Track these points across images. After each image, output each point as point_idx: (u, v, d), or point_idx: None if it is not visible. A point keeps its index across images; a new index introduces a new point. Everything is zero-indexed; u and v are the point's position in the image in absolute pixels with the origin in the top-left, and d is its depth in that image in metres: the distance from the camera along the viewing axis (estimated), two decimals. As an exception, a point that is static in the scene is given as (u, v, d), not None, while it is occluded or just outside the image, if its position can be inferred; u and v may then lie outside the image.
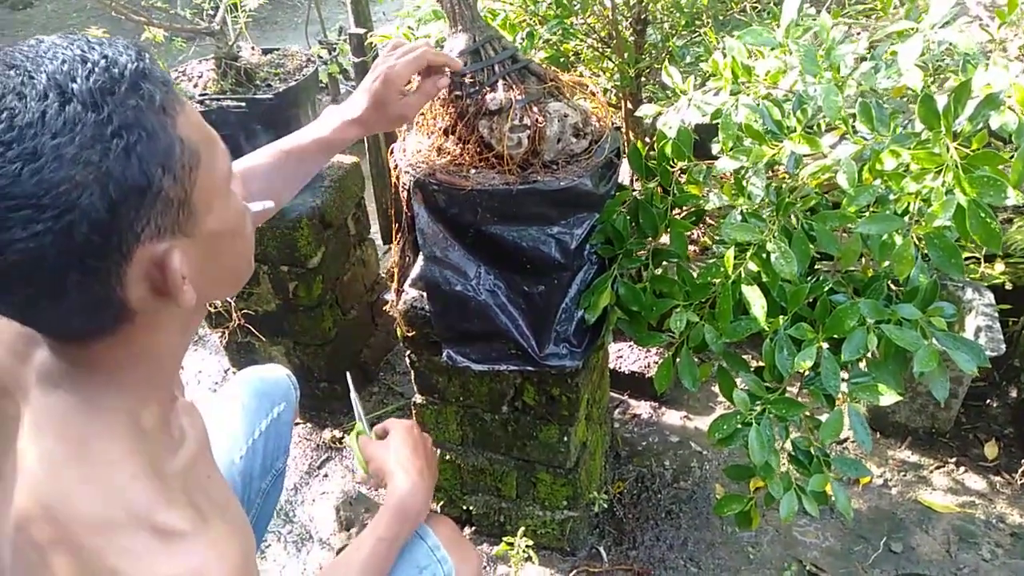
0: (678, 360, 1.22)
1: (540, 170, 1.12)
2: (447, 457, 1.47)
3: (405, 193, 1.18)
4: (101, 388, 0.62)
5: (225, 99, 1.50)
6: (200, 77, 1.61)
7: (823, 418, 1.14)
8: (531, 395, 1.32)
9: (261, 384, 1.32)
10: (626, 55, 1.95)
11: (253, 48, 1.70)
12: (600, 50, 2.01)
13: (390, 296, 1.36)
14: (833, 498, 1.15)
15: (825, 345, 1.11)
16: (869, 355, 1.11)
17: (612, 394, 1.86)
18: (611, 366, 1.85)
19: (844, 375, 1.14)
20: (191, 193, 0.58)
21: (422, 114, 1.19)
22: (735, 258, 1.12)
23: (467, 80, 1.10)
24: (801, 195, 1.14)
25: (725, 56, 1.22)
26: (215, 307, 1.79)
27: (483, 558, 1.52)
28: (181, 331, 0.68)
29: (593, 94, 1.24)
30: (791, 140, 1.11)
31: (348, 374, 1.23)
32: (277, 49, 1.71)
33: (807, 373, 1.14)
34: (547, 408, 1.33)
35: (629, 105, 2.03)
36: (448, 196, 1.12)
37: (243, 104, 1.48)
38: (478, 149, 1.11)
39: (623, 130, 2.26)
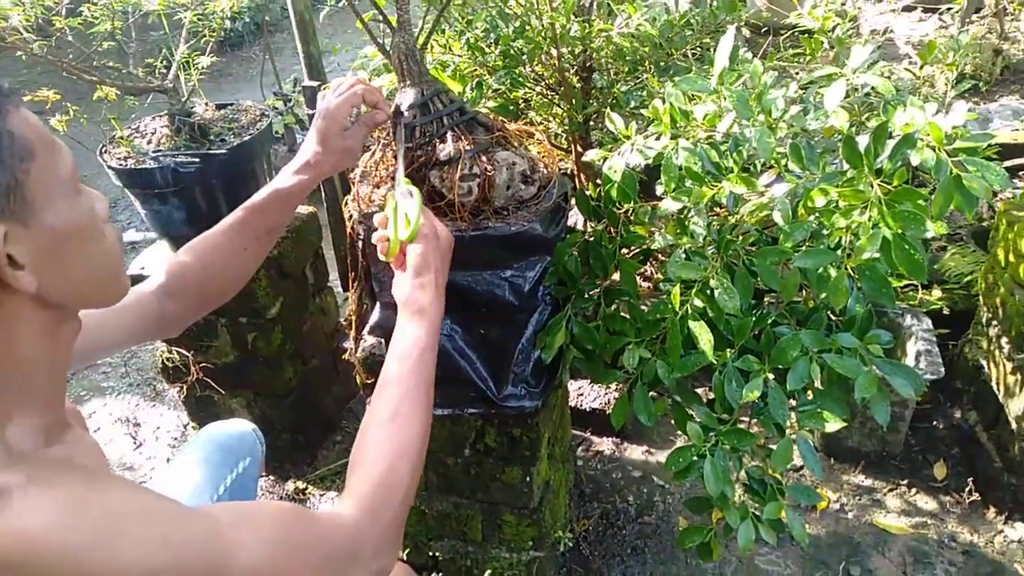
0: (633, 396, 1.25)
1: (491, 216, 1.15)
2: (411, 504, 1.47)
3: (360, 242, 1.20)
4: None
5: (179, 155, 1.52)
6: (154, 134, 1.62)
7: (775, 447, 1.18)
8: (492, 437, 1.34)
9: (226, 439, 1.32)
10: (574, 101, 2.02)
11: (207, 104, 1.72)
12: (548, 97, 2.08)
13: (349, 344, 1.37)
14: (788, 525, 1.19)
15: (771, 376, 1.15)
16: (815, 383, 1.16)
17: (574, 432, 1.88)
18: (572, 404, 1.88)
19: (794, 403, 1.19)
20: (23, 182, 0.63)
21: (374, 165, 1.22)
22: (681, 295, 1.16)
23: (416, 133, 1.14)
24: (741, 232, 1.19)
25: (665, 102, 1.28)
26: (172, 361, 1.78)
27: (451, 604, 1.51)
28: (43, 335, 0.69)
29: (540, 142, 1.28)
30: (729, 181, 1.16)
31: (401, 127, 1.14)
32: (231, 104, 1.74)
33: (757, 403, 1.18)
34: (509, 449, 1.34)
35: (579, 149, 2.10)
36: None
37: (197, 159, 1.49)
38: (430, 198, 1.14)
39: (575, 173, 2.32)
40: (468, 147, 1.13)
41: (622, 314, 1.28)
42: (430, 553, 1.52)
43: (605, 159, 1.35)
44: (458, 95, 1.54)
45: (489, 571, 1.42)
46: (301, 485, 1.85)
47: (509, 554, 1.47)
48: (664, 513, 1.67)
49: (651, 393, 1.27)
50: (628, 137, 1.33)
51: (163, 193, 1.55)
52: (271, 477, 1.90)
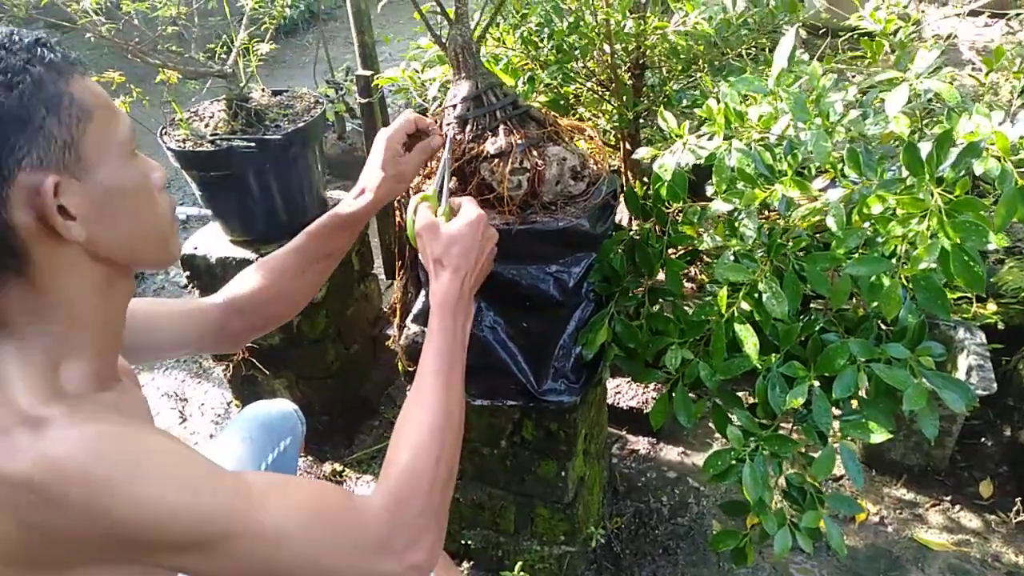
0: (673, 397, 1.25)
1: (539, 211, 1.16)
2: (446, 491, 1.49)
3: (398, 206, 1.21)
4: (7, 339, 0.69)
5: (235, 139, 1.55)
6: (212, 117, 1.66)
7: (816, 455, 1.16)
8: (529, 430, 1.34)
9: (268, 418, 1.35)
10: (624, 98, 2.01)
11: (263, 89, 1.76)
12: (599, 93, 2.07)
13: (392, 331, 1.39)
14: (826, 535, 1.17)
15: (816, 383, 1.14)
16: (861, 393, 1.14)
17: (610, 429, 1.88)
18: (609, 401, 1.87)
19: (838, 412, 1.17)
20: (78, 140, 0.68)
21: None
22: (728, 297, 1.15)
23: (469, 125, 1.15)
24: (792, 237, 1.18)
25: (719, 102, 1.26)
26: (220, 340, 1.82)
27: (481, 593, 1.53)
28: (95, 288, 0.74)
29: (591, 138, 1.28)
30: (782, 184, 1.15)
31: (451, 129, 1.15)
32: (286, 90, 1.77)
33: (800, 410, 1.17)
34: (545, 443, 1.35)
35: (628, 147, 2.09)
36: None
37: (252, 144, 1.52)
38: (479, 191, 1.15)
39: (622, 171, 2.31)
40: (520, 141, 1.14)
41: (665, 314, 1.28)
42: (462, 542, 1.54)
43: (655, 157, 1.35)
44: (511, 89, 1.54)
45: (520, 563, 1.43)
46: (338, 467, 1.89)
47: (541, 547, 1.48)
48: (697, 515, 1.66)
49: (691, 395, 1.27)
50: (680, 136, 1.31)
51: (218, 176, 1.59)
52: (309, 458, 1.94)
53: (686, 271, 2.01)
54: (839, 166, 1.15)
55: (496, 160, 1.13)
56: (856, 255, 1.09)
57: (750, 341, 1.11)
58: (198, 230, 1.82)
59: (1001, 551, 1.53)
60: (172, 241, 0.81)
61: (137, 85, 1.62)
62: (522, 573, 1.38)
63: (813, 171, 1.28)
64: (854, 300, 1.24)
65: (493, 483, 1.44)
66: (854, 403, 1.16)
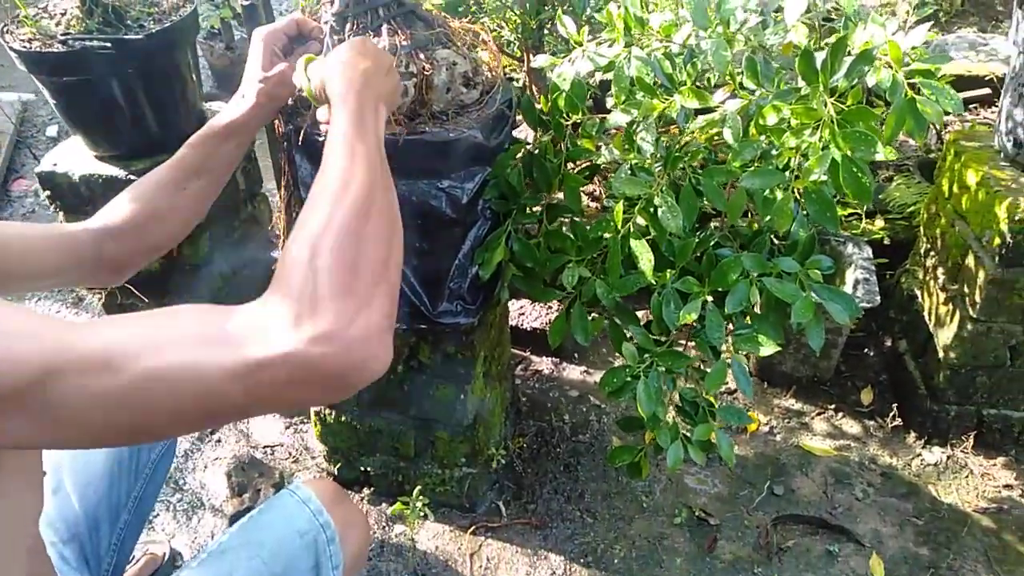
0: (571, 315, 1.23)
1: (428, 121, 1.08)
2: (343, 419, 1.44)
3: (286, 143, 1.12)
4: None
5: (91, 39, 1.38)
6: (63, 15, 1.47)
7: (710, 369, 1.18)
8: (426, 354, 1.30)
9: None
10: (527, 5, 1.91)
11: (124, -16, 1.56)
12: (502, 0, 1.96)
13: (277, 254, 1.30)
14: (717, 446, 1.20)
15: (710, 299, 1.14)
16: (754, 307, 1.15)
17: (514, 350, 1.86)
18: (513, 323, 1.85)
19: (732, 327, 1.18)
20: None
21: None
22: (624, 212, 1.12)
23: (349, 24, 1.05)
24: (690, 150, 1.15)
25: (619, 7, 1.20)
26: (91, 267, 1.68)
27: (379, 518, 1.51)
28: None
29: (485, 42, 1.20)
30: (681, 94, 1.11)
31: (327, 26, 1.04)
32: (151, -14, 1.58)
33: (695, 326, 1.17)
34: (443, 367, 1.31)
35: (532, 57, 2.00)
36: (331, 147, 1.07)
37: (109, 45, 1.36)
38: (363, 97, 1.06)
39: (527, 84, 2.23)
40: (405, 42, 1.04)
41: (564, 232, 1.24)
42: (361, 468, 1.51)
43: (555, 67, 1.28)
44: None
45: (419, 487, 1.41)
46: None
47: (441, 470, 1.46)
48: (598, 432, 1.68)
49: (592, 313, 1.25)
50: (580, 43, 1.25)
51: (73, 82, 1.42)
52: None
53: (589, 189, 1.98)
54: (738, 77, 1.12)
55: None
56: (752, 168, 1.08)
57: (645, 257, 1.09)
58: (61, 143, 1.64)
59: (877, 454, 1.62)
60: None
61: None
62: (421, 498, 1.36)
63: (712, 82, 1.26)
64: (749, 215, 1.24)
65: (391, 408, 1.40)
66: (747, 318, 1.18)
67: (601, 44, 1.25)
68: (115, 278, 1.03)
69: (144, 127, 1.52)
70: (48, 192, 1.59)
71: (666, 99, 1.13)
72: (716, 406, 1.20)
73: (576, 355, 1.87)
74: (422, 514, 1.35)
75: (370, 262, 0.61)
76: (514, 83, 2.18)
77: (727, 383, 1.62)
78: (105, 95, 1.44)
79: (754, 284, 1.10)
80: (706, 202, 1.11)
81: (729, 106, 1.09)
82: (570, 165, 1.25)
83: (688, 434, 1.20)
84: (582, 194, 1.43)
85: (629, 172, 1.12)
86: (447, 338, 1.27)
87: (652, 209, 1.09)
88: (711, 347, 1.14)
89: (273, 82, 0.97)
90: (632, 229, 1.12)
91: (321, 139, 1.06)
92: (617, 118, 1.15)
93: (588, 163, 1.25)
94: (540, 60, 1.29)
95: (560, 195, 1.25)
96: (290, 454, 1.66)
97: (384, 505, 1.53)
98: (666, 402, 1.18)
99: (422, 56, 1.05)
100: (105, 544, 1.13)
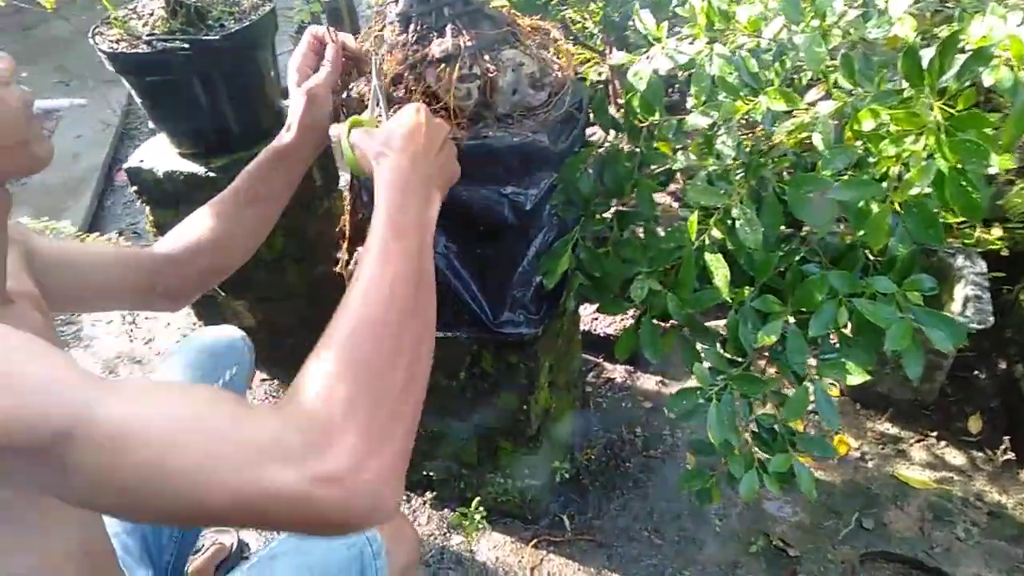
0: (640, 329, 1.15)
1: (493, 124, 1.03)
2: (405, 422, 1.42)
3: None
4: None
5: (172, 40, 1.41)
6: (151, 15, 1.51)
7: (791, 393, 1.08)
8: (488, 362, 1.26)
9: (214, 346, 1.27)
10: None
11: (209, -16, 1.59)
12: (584, -6, 1.89)
13: (341, 255, 1.29)
14: (797, 478, 1.10)
15: (793, 320, 1.04)
16: (844, 329, 1.05)
17: (586, 356, 1.80)
18: (586, 328, 1.79)
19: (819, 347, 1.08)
20: None
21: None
22: (699, 223, 1.04)
23: (412, 25, 1.01)
24: (776, 156, 1.05)
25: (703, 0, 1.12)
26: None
27: (440, 523, 1.49)
28: None
29: (556, 40, 1.14)
30: (767, 95, 1.02)
31: (375, 59, 0.99)
32: (233, -15, 1.60)
33: (775, 347, 1.08)
34: (506, 375, 1.27)
35: (611, 52, 1.92)
36: (393, 151, 1.04)
37: (187, 47, 1.38)
38: (426, 100, 1.02)
39: (609, 79, 2.15)
40: (470, 43, 1.00)
41: (638, 240, 1.17)
42: (424, 472, 1.49)
43: (632, 64, 1.21)
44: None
45: (478, 498, 1.38)
46: (305, 392, 1.83)
47: (504, 480, 1.42)
48: (672, 447, 1.60)
49: (667, 324, 1.17)
50: (658, 39, 1.17)
51: (157, 82, 1.45)
52: (275, 382, 1.88)
53: (671, 187, 1.88)
54: (833, 76, 1.02)
55: (442, 65, 1.00)
56: (845, 178, 0.98)
57: (720, 272, 1.01)
58: (148, 141, 1.69)
59: (984, 490, 1.47)
60: (34, 145, 0.69)
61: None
62: (480, 509, 1.32)
63: (804, 82, 1.15)
64: (842, 227, 1.13)
65: (454, 415, 1.37)
66: (834, 340, 1.07)
67: (683, 40, 1.17)
68: (171, 306, 1.06)
69: (223, 125, 1.55)
70: (135, 187, 1.65)
71: (750, 100, 1.04)
72: (797, 435, 1.11)
73: (652, 364, 1.79)
74: (480, 526, 1.32)
75: (391, 396, 0.59)
76: (596, 79, 2.10)
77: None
78: (186, 94, 1.47)
79: (843, 305, 1.00)
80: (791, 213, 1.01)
81: (821, 108, 0.99)
82: (644, 169, 1.17)
83: (765, 462, 1.11)
84: (663, 192, 1.35)
85: (706, 179, 1.03)
86: (509, 347, 1.22)
87: (730, 221, 1.00)
88: (793, 372, 1.05)
89: (310, 104, 0.96)
90: (707, 241, 1.03)
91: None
92: (696, 120, 1.07)
93: (664, 167, 1.17)
94: (616, 57, 1.22)
95: (633, 201, 1.18)
96: (357, 453, 1.66)
97: (446, 511, 1.51)
98: (741, 428, 1.09)
99: (487, 57, 1.01)
100: (166, 534, 1.16)
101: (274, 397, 1.84)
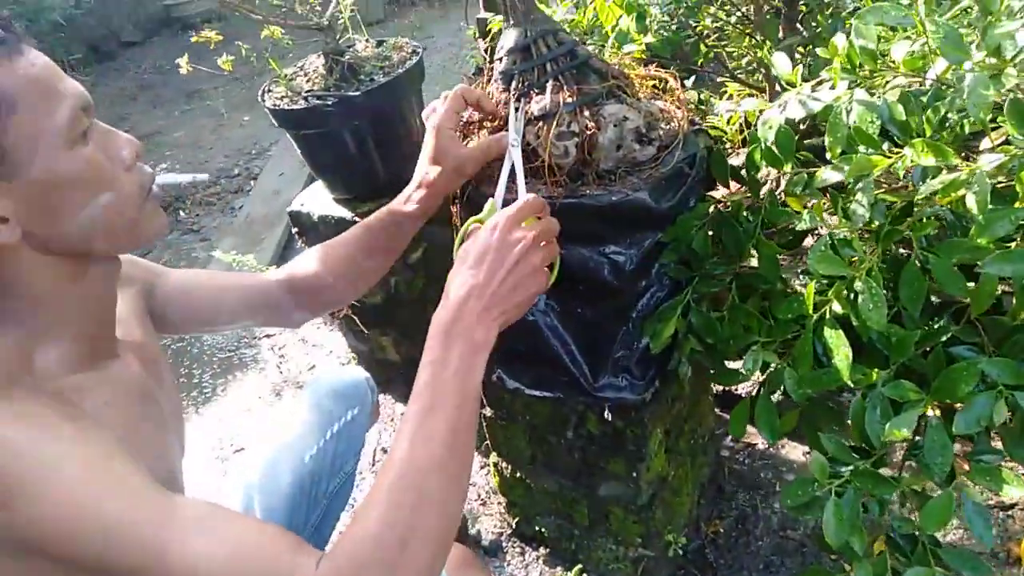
0: (756, 406, 1.04)
1: (593, 182, 0.99)
2: (517, 474, 1.40)
3: (456, 202, 1.10)
4: None
5: (324, 96, 1.52)
6: (315, 72, 1.64)
7: (935, 496, 0.91)
8: (594, 424, 1.20)
9: (338, 386, 1.33)
10: (767, 29, 1.70)
11: (367, 42, 1.70)
12: (740, 28, 1.77)
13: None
14: (942, 598, 0.93)
15: (935, 412, 0.88)
16: (1008, 424, 0.87)
17: (725, 415, 1.66)
18: (725, 388, 1.66)
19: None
20: (1, 138, 0.61)
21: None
22: (819, 295, 0.92)
23: (514, 82, 1.00)
24: (921, 218, 0.91)
25: (847, 37, 1.00)
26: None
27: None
28: (62, 278, 0.71)
29: (673, 90, 1.07)
30: (914, 148, 0.88)
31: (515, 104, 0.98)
32: (386, 41, 1.70)
33: (916, 440, 0.92)
34: (612, 440, 1.20)
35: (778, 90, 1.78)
36: (491, 208, 1.03)
37: (330, 103, 1.48)
38: (526, 158, 1.01)
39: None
40: (569, 99, 0.97)
41: (757, 306, 1.06)
42: (536, 527, 1.45)
43: (763, 111, 1.10)
44: (613, 28, 1.33)
45: (579, 567, 1.32)
46: (439, 429, 1.86)
47: (616, 546, 1.35)
48: (813, 530, 1.43)
49: (784, 399, 1.05)
50: (793, 84, 1.07)
51: (312, 134, 1.57)
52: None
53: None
54: (1002, 128, 0.86)
55: (540, 123, 0.98)
56: (1008, 248, 0.82)
57: (841, 351, 0.88)
58: (310, 187, 1.83)
59: None
60: (144, 223, 0.75)
61: (247, 43, 1.63)
62: (584, 574, 1.26)
63: (966, 129, 0.98)
64: (1004, 304, 0.95)
65: (563, 474, 1.33)
66: (994, 439, 0.90)
67: (822, 84, 1.05)
68: (288, 325, 1.14)
69: (372, 172, 1.64)
70: (296, 228, 1.79)
71: (894, 152, 0.91)
72: (941, 546, 0.93)
73: (798, 432, 1.61)
74: (581, 595, 1.26)
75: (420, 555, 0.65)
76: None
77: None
78: (337, 145, 1.57)
79: (1003, 398, 0.83)
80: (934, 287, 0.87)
81: (982, 162, 0.84)
82: (768, 228, 1.06)
83: (901, 572, 0.95)
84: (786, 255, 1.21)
85: (828, 244, 0.91)
86: (616, 411, 1.16)
87: (853, 294, 0.88)
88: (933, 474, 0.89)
89: (452, 173, 0.97)
90: (827, 315, 0.91)
91: (483, 198, 1.03)
92: (828, 176, 0.96)
93: (790, 226, 1.05)
94: (747, 105, 1.13)
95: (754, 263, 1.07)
96: (479, 495, 1.66)
97: (559, 568, 1.45)
98: (865, 529, 0.94)
99: (587, 113, 0.97)
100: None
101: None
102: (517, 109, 0.98)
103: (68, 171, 0.67)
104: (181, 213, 3.35)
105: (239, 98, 4.43)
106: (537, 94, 0.99)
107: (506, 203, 0.86)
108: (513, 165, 0.93)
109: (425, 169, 0.99)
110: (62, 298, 0.72)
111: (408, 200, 1.00)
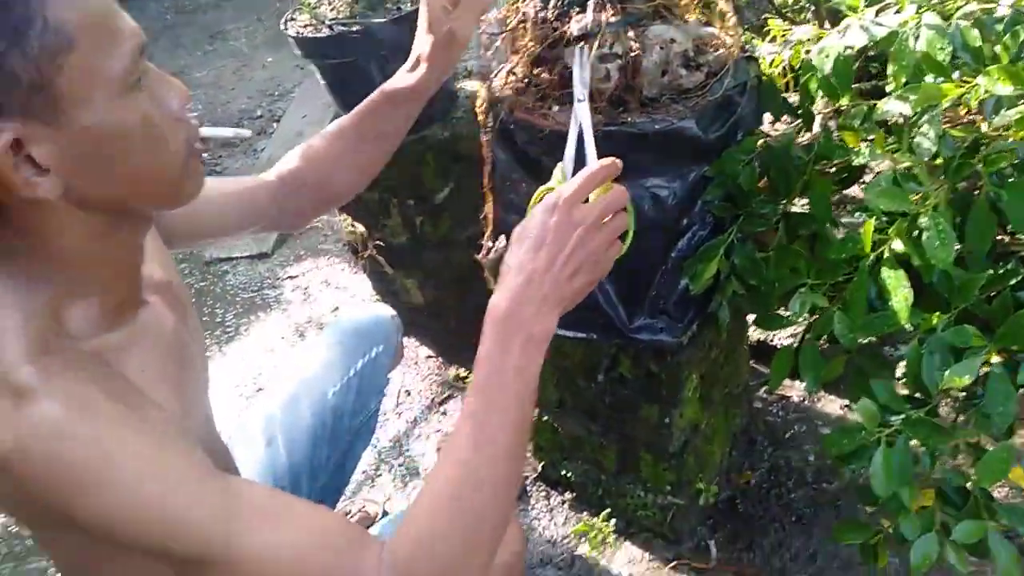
0: (801, 351, 0.99)
1: (636, 109, 0.93)
2: (544, 418, 1.37)
3: (487, 132, 1.05)
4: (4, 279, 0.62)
5: (349, 23, 1.45)
6: (339, 1, 1.57)
7: (991, 449, 0.87)
8: (627, 367, 1.16)
9: (360, 324, 1.30)
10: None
11: (394, -32, 1.62)
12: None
13: (486, 243, 1.26)
14: (992, 554, 0.88)
15: (998, 358, 0.83)
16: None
17: (759, 368, 1.62)
18: (760, 336, 1.61)
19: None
20: (52, 78, 0.54)
21: (516, 40, 1.04)
22: (878, 233, 0.86)
23: (552, 1, 0.93)
24: (993, 152, 0.84)
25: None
26: (352, 235, 1.81)
27: (576, 527, 1.41)
28: (94, 237, 0.65)
29: (724, 13, 1.00)
30: (987, 76, 0.81)
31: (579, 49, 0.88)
32: (413, -32, 1.62)
33: (976, 388, 0.87)
34: (646, 384, 1.16)
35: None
36: (527, 136, 0.98)
37: (355, 30, 1.41)
38: (563, 83, 0.95)
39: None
40: (612, 18, 0.90)
41: (806, 247, 1.00)
42: (563, 472, 1.43)
43: (820, 39, 1.03)
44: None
45: (608, 510, 1.29)
46: (463, 372, 1.84)
47: (644, 493, 1.32)
48: (849, 483, 1.39)
49: (829, 346, 1.00)
50: (855, 9, 0.99)
51: (336, 64, 1.51)
52: (437, 360, 1.91)
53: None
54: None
55: (582, 43, 0.91)
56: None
57: (900, 293, 0.83)
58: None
59: None
60: (187, 183, 0.69)
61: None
62: (608, 523, 1.24)
63: (1049, 56, 0.90)
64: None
65: (592, 418, 1.29)
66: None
67: (887, 9, 0.97)
68: (293, 227, 1.12)
69: (398, 107, 1.57)
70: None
71: (966, 82, 0.84)
72: (995, 501, 0.89)
73: (835, 383, 1.57)
74: (607, 540, 1.23)
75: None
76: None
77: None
78: (363, 75, 1.51)
79: (1074, 347, 0.78)
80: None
81: (1065, 91, 0.77)
82: (820, 164, 1.00)
83: (949, 525, 0.90)
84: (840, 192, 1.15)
85: (891, 179, 0.85)
86: (650, 354, 1.12)
87: (917, 231, 0.82)
88: (993, 426, 0.84)
89: (444, 43, 0.89)
90: (886, 254, 0.85)
91: (515, 127, 0.97)
92: (892, 107, 0.88)
93: (846, 162, 0.99)
94: (799, 32, 1.05)
95: (804, 201, 1.01)
96: (504, 441, 1.64)
97: (585, 514, 1.43)
98: (917, 482, 0.90)
99: (631, 34, 0.90)
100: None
101: (436, 375, 1.87)
102: (581, 51, 0.87)
103: (121, 121, 0.60)
104: (204, 155, 3.31)
105: (262, 38, 4.33)
106: (578, 12, 0.92)
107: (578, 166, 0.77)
108: (581, 125, 0.81)
109: (421, 43, 0.91)
110: (93, 255, 0.67)
111: (404, 77, 0.93)
